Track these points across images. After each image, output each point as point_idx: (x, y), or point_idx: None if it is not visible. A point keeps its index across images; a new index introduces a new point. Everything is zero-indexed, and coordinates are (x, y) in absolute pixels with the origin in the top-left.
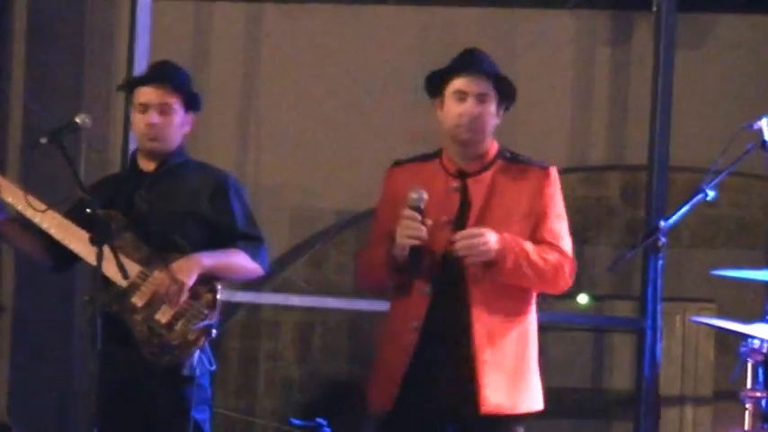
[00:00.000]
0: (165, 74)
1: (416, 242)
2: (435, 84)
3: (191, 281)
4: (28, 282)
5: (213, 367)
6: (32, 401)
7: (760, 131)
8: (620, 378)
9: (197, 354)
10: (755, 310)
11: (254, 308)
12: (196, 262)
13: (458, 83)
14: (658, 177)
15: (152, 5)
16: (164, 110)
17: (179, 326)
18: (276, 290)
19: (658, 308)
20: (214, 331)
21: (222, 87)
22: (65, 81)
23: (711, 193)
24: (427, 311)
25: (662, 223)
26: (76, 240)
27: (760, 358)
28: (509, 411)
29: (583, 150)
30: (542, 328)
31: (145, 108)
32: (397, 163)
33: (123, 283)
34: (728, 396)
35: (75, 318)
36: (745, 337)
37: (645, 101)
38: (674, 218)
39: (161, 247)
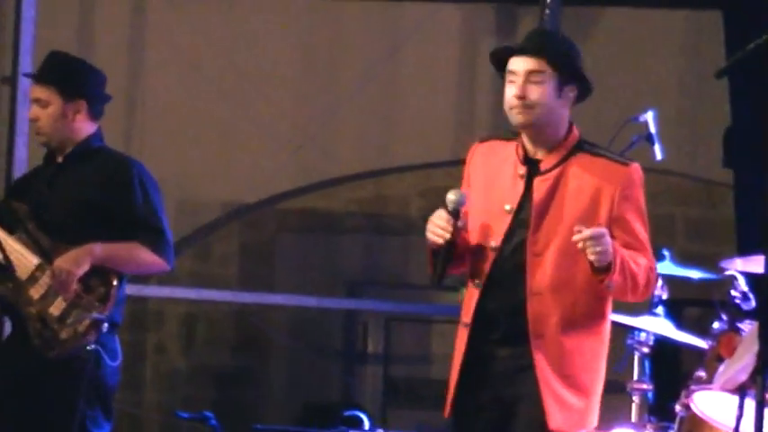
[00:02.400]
0: (40, 68)
1: (438, 241)
2: (502, 66)
3: (80, 271)
4: None
5: (116, 362)
6: None
7: (645, 124)
8: None
9: (92, 348)
10: (641, 304)
11: (140, 300)
12: (87, 252)
13: (510, 63)
14: None
15: None
16: (40, 104)
17: (70, 319)
18: (161, 282)
19: None
20: (105, 325)
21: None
22: None
23: None
24: (477, 305)
25: None
26: None
27: (646, 350)
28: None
29: (467, 142)
30: (428, 321)
31: (32, 104)
32: (482, 139)
33: (23, 275)
34: (615, 388)
35: None
36: (631, 329)
37: None
38: None
39: (61, 237)
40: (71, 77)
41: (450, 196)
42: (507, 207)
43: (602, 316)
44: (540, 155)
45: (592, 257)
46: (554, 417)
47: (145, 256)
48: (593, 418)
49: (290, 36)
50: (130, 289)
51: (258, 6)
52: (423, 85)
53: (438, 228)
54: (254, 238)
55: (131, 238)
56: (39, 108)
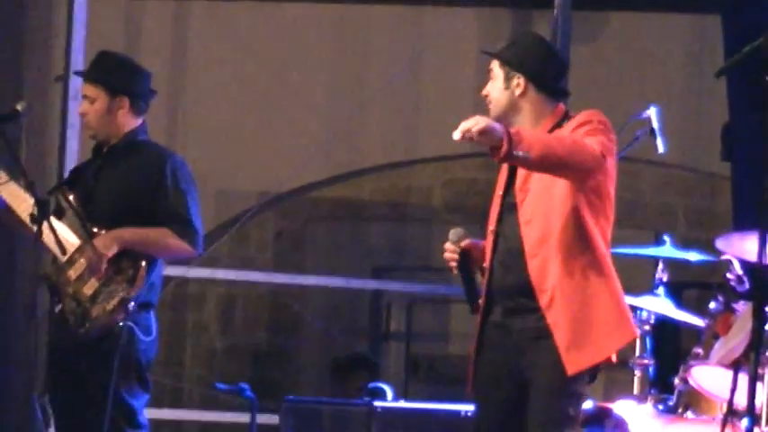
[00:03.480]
0: (89, 67)
1: (453, 268)
2: None
3: (110, 253)
4: None
5: (150, 337)
6: None
7: (649, 120)
8: None
9: (124, 326)
10: (644, 285)
11: (182, 282)
12: (117, 236)
13: None
14: None
15: (87, 3)
16: (89, 100)
17: (100, 298)
18: (202, 265)
19: None
20: (132, 304)
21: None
22: (6, 72)
23: None
24: (487, 286)
25: None
26: (26, 211)
27: (648, 328)
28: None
29: None
30: (447, 302)
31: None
32: None
33: (62, 257)
34: (618, 364)
35: (16, 291)
36: (634, 309)
37: None
38: None
39: (101, 223)
40: (115, 75)
41: (451, 235)
42: (500, 193)
43: (595, 255)
44: None
45: (478, 136)
46: (570, 360)
47: (172, 242)
48: (618, 338)
49: (321, 41)
50: (174, 270)
51: (292, 13)
52: (443, 84)
53: (447, 257)
54: (288, 224)
55: (162, 226)
56: (87, 104)
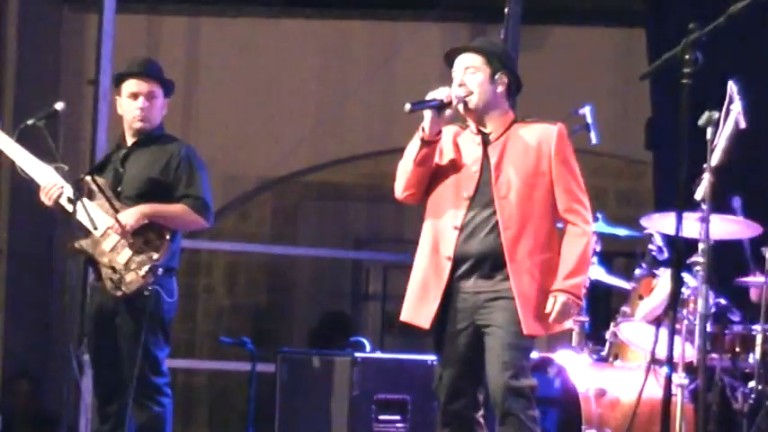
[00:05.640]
0: (149, 68)
1: (441, 96)
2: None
3: (135, 224)
4: (18, 230)
5: (173, 299)
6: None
7: (584, 116)
8: None
9: (153, 289)
10: None
11: (194, 252)
12: (140, 210)
13: (454, 65)
14: None
15: (114, 18)
16: (150, 97)
17: (133, 266)
18: (211, 238)
19: None
20: (160, 270)
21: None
22: (46, 77)
23: None
24: (457, 244)
25: None
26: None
27: (584, 291)
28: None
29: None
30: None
31: (135, 96)
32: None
33: (97, 232)
34: None
35: (53, 263)
36: None
37: None
38: None
39: (130, 201)
40: (165, 79)
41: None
42: (474, 169)
43: (555, 233)
44: (488, 129)
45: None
46: (529, 323)
47: (187, 216)
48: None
49: (311, 50)
50: (186, 243)
51: (286, 27)
52: (413, 83)
53: (443, 90)
54: (283, 204)
55: (180, 202)
56: (148, 100)
